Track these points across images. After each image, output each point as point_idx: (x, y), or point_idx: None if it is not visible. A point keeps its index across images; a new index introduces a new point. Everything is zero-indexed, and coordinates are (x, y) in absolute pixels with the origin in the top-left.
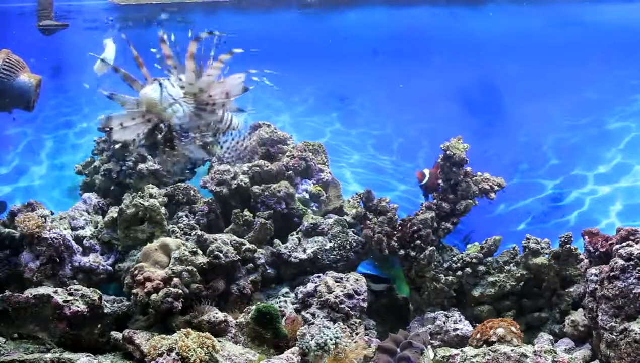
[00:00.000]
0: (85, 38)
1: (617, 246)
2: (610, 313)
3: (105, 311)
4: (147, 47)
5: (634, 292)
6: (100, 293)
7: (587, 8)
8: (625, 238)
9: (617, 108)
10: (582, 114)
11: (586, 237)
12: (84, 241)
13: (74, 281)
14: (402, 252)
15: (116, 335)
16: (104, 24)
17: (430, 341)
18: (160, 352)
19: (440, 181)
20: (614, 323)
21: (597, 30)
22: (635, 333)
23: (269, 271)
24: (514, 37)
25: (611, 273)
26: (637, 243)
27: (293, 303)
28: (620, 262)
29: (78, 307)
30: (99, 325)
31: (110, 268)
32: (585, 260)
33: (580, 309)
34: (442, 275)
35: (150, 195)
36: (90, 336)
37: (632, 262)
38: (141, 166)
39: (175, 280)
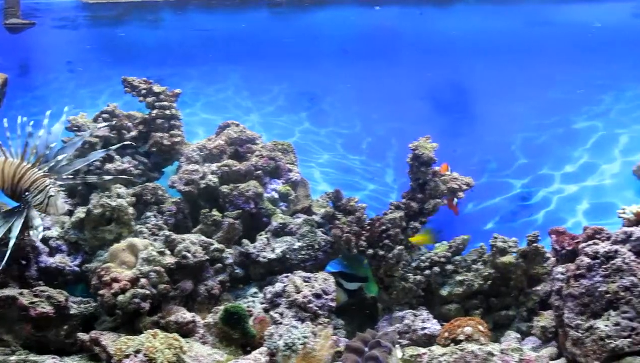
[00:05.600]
0: (53, 36)
1: (583, 244)
2: (576, 311)
3: (71, 312)
4: (116, 47)
5: (599, 290)
6: (67, 294)
7: (556, 8)
8: (591, 237)
9: (584, 108)
10: (549, 114)
11: (553, 236)
12: (51, 241)
13: (40, 282)
14: (370, 251)
15: (83, 336)
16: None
17: (399, 340)
18: (126, 353)
19: None
20: (580, 321)
21: (565, 30)
22: (601, 331)
23: (237, 271)
24: (483, 37)
25: (577, 272)
26: (602, 241)
27: (261, 303)
28: (586, 260)
29: (44, 308)
30: (65, 327)
31: (77, 269)
32: (552, 259)
33: (548, 313)
34: (411, 274)
35: (118, 195)
36: (57, 337)
37: (597, 261)
38: (109, 166)
39: (143, 280)
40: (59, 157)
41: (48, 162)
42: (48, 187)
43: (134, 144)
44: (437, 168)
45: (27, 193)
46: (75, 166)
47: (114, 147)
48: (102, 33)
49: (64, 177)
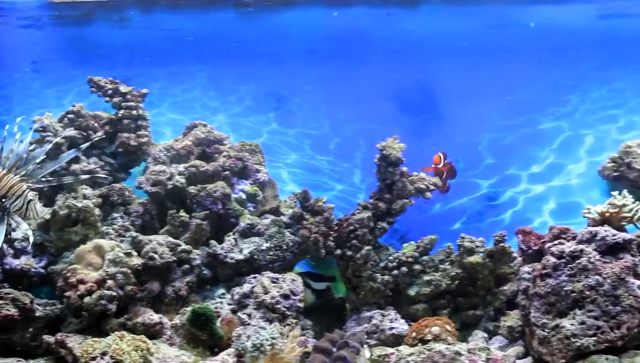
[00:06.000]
0: (18, 36)
1: (550, 244)
2: (543, 310)
3: (37, 314)
4: (82, 46)
5: (565, 289)
6: (32, 297)
7: (521, 9)
8: (557, 237)
9: (551, 108)
10: (516, 114)
11: (520, 236)
12: (15, 243)
13: (5, 284)
14: (338, 251)
15: (48, 338)
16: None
17: (367, 340)
18: (93, 356)
19: None
20: (546, 320)
21: (532, 32)
22: (566, 330)
23: (205, 272)
24: (450, 38)
25: (543, 271)
26: (568, 241)
27: (229, 304)
28: (552, 259)
29: (9, 310)
30: (30, 329)
31: (42, 270)
32: (519, 259)
33: (515, 313)
34: (379, 274)
35: (84, 196)
36: (22, 340)
37: (563, 260)
38: (75, 167)
39: (109, 282)
40: (36, 161)
41: (23, 167)
42: (26, 192)
43: (104, 136)
44: (404, 168)
45: (4, 199)
46: (47, 169)
47: (83, 146)
48: (68, 32)
49: (42, 180)
